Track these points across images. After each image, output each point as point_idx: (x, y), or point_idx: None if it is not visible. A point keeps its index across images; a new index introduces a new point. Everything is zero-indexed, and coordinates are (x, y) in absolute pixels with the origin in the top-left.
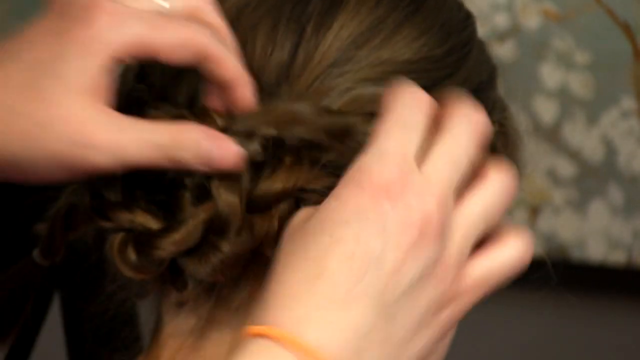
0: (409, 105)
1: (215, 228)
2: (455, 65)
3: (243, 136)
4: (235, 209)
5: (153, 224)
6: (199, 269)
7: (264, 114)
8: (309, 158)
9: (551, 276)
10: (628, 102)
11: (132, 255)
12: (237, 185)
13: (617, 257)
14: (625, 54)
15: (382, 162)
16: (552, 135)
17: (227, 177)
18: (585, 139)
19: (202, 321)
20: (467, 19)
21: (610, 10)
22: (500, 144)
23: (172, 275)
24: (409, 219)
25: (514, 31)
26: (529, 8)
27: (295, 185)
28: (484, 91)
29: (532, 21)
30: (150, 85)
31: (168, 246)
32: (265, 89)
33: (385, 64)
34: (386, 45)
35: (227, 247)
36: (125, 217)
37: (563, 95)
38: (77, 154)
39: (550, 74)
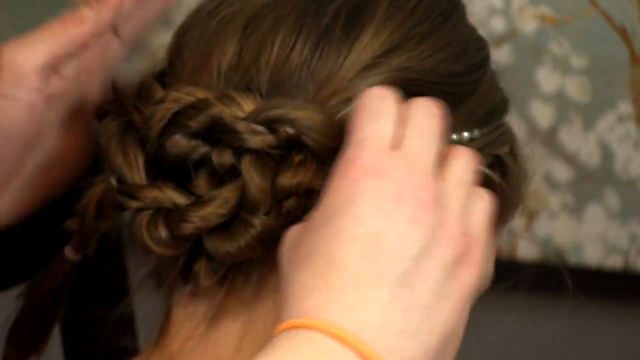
0: (376, 97)
1: (246, 206)
2: (474, 84)
3: (265, 125)
4: (266, 189)
5: (182, 199)
6: (228, 246)
7: (293, 108)
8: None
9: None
10: (625, 107)
11: (162, 230)
12: (267, 167)
13: (614, 262)
14: (622, 58)
15: (361, 149)
16: (548, 140)
17: (256, 158)
18: (581, 143)
19: (213, 311)
20: (482, 42)
21: (607, 14)
22: (511, 171)
23: (191, 263)
24: (402, 192)
25: (510, 35)
26: (526, 12)
27: (301, 184)
28: (496, 115)
29: (528, 25)
30: (180, 67)
31: (197, 220)
32: (288, 77)
33: (407, 70)
34: (409, 54)
35: (259, 223)
36: (153, 195)
37: (559, 100)
38: None
39: (547, 78)
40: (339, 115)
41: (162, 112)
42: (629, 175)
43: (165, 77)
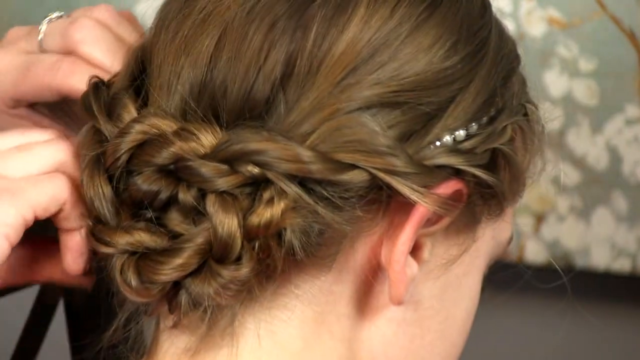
0: None
1: (215, 253)
2: (471, 73)
3: (228, 163)
4: (234, 231)
5: (153, 241)
6: (201, 289)
7: (258, 141)
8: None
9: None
10: (633, 110)
11: (133, 278)
12: (233, 207)
13: (622, 265)
14: (630, 61)
15: None
16: (556, 143)
17: (221, 198)
18: (589, 146)
19: (195, 344)
20: (482, 18)
21: (615, 17)
22: (519, 144)
23: (171, 296)
24: None
25: (519, 38)
26: (534, 15)
27: (272, 222)
28: (499, 92)
29: (536, 29)
30: (150, 81)
31: (169, 271)
32: (256, 101)
33: (390, 82)
34: (393, 59)
35: (227, 274)
36: (124, 240)
37: (567, 103)
38: None
39: (555, 82)
40: (308, 143)
41: (127, 144)
42: (637, 179)
43: (136, 82)
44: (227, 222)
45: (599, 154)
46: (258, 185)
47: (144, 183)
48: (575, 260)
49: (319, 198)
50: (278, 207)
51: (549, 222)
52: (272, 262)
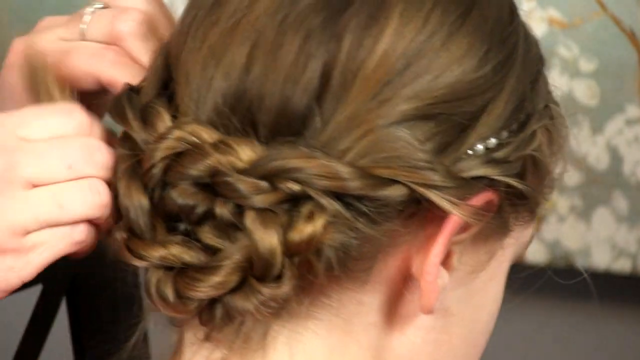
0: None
1: (255, 270)
2: (502, 82)
3: (267, 179)
4: (275, 249)
5: (190, 257)
6: (243, 306)
7: (296, 159)
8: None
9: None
10: (633, 110)
11: (170, 294)
12: (273, 223)
13: (622, 265)
14: (631, 62)
15: None
16: None
17: (261, 215)
18: (590, 147)
19: (225, 353)
20: (511, 24)
21: (616, 18)
22: (545, 147)
23: (204, 309)
24: None
25: None
26: (534, 16)
27: (314, 238)
28: (528, 96)
29: (537, 29)
30: (182, 88)
31: (207, 289)
32: (294, 115)
33: (425, 94)
34: (428, 71)
35: (267, 292)
36: (159, 254)
37: (568, 103)
38: None
39: (555, 82)
40: (347, 159)
41: (164, 151)
42: (638, 179)
43: (167, 89)
44: (268, 239)
45: (600, 154)
46: (296, 201)
47: (180, 197)
48: (575, 261)
49: (358, 213)
50: (318, 223)
51: (550, 222)
52: (311, 278)
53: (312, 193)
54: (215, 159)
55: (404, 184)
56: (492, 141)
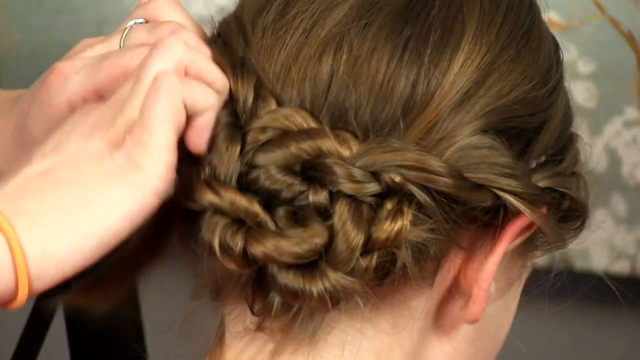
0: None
1: (330, 257)
2: (555, 104)
3: (369, 172)
4: (357, 243)
5: (266, 218)
6: (298, 285)
7: (394, 152)
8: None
9: (554, 285)
10: (631, 112)
11: (236, 241)
12: (363, 217)
13: (621, 267)
14: (629, 64)
15: None
16: None
17: (354, 205)
18: (588, 148)
19: (273, 347)
20: (558, 51)
21: (614, 20)
22: (582, 189)
23: (258, 297)
24: None
25: None
26: None
27: (398, 235)
28: (570, 122)
29: None
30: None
31: (271, 248)
32: (384, 123)
33: (498, 108)
34: (497, 85)
35: (335, 280)
36: (234, 198)
37: None
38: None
39: None
40: (445, 157)
41: (272, 122)
42: (636, 181)
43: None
44: (353, 231)
45: (598, 156)
46: (386, 196)
47: (270, 179)
48: (574, 262)
49: (445, 212)
50: (404, 221)
51: None
52: (381, 276)
53: (409, 186)
54: (330, 144)
55: (492, 191)
56: (550, 157)
